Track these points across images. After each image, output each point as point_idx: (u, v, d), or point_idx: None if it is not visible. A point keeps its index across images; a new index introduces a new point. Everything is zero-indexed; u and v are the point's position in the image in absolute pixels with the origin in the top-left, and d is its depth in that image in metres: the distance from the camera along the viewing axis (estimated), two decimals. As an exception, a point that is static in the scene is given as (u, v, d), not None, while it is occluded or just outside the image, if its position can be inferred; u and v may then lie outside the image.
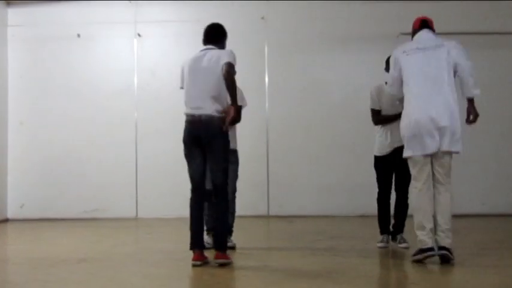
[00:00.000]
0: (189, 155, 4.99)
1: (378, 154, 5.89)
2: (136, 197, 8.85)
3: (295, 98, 8.81)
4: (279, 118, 8.79)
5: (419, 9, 7.95)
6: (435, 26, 5.15)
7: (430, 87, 4.83)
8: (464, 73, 4.84)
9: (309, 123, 8.79)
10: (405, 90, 4.97)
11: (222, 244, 4.94)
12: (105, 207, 8.79)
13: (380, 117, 5.83)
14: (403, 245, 5.69)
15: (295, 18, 8.89)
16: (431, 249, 4.74)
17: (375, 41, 8.46)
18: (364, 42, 8.71)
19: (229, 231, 5.69)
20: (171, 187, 8.42)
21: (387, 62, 5.60)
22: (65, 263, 5.18)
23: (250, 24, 8.81)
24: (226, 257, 4.90)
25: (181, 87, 5.13)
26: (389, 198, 5.84)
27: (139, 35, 8.98)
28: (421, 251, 4.79)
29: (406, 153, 4.97)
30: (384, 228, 5.88)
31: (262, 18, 8.85)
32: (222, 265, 4.84)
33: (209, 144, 4.89)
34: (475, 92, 4.85)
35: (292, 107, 8.81)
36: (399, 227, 5.82)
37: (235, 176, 5.79)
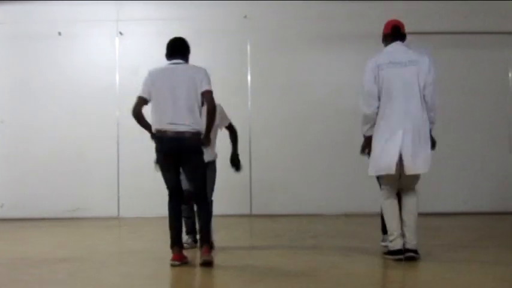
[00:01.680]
0: (164, 165, 5.09)
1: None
2: (118, 196, 8.80)
3: (277, 97, 8.81)
4: (262, 117, 8.78)
5: (401, 8, 8.02)
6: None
7: (406, 104, 4.86)
8: (429, 99, 4.90)
9: (292, 122, 8.79)
10: (381, 106, 4.95)
11: (208, 241, 5.01)
12: (87, 207, 8.72)
13: None
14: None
15: (277, 17, 8.88)
16: (399, 251, 4.92)
17: (358, 40, 8.46)
18: (347, 41, 8.73)
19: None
20: (153, 186, 8.30)
21: None
22: (46, 263, 5.14)
23: (233, 23, 8.78)
24: (210, 254, 4.95)
25: (145, 98, 5.08)
26: None
27: (121, 33, 8.92)
28: (390, 252, 4.99)
29: (381, 171, 4.99)
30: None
31: (245, 17, 8.83)
32: (206, 263, 4.83)
33: (187, 158, 4.98)
34: (433, 124, 4.98)
35: (274, 106, 8.80)
36: None
37: (213, 184, 5.79)
